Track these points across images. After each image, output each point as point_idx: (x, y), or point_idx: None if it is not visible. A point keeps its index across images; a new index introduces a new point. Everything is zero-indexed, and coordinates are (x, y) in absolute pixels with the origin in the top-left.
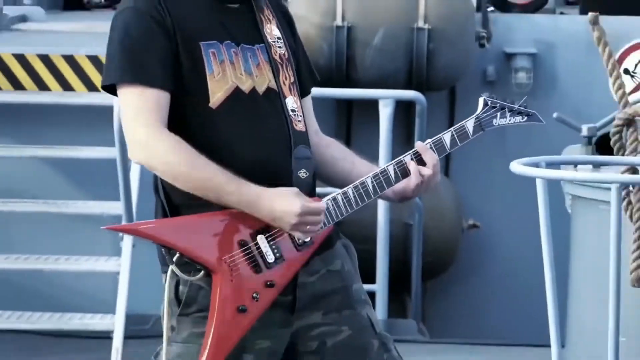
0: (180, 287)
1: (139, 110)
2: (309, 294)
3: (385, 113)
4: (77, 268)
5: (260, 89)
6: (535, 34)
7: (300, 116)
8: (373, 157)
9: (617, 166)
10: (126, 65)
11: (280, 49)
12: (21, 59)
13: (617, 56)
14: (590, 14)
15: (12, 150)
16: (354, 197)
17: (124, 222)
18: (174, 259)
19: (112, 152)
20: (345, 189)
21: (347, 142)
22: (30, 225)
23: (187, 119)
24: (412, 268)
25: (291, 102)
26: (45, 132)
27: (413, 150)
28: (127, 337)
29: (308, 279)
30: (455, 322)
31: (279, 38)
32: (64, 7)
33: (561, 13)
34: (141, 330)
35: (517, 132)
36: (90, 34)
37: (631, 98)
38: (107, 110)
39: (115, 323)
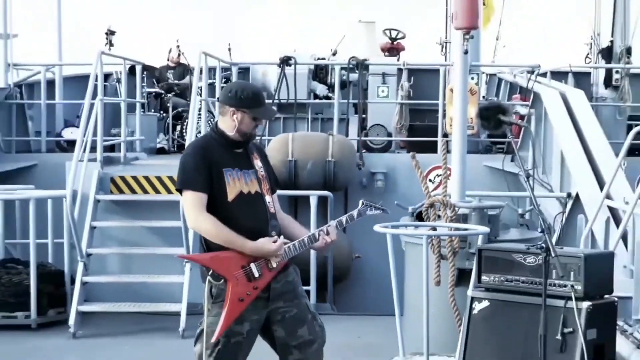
0: (213, 289)
1: (193, 203)
2: (277, 293)
3: (313, 203)
4: (166, 280)
5: (252, 192)
6: (385, 162)
7: (272, 205)
8: (307, 226)
9: (426, 227)
10: (186, 179)
11: (261, 172)
12: (135, 178)
13: (425, 173)
14: (411, 152)
15: (132, 222)
16: (298, 246)
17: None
18: (209, 273)
19: (179, 224)
20: (294, 242)
21: (295, 218)
22: (143, 260)
23: (217, 207)
24: (328, 278)
25: (268, 199)
26: (147, 214)
27: (326, 226)
28: (188, 314)
29: (276, 285)
30: (350, 305)
31: (260, 167)
32: (156, 152)
33: (397, 152)
34: (194, 310)
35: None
36: (169, 166)
37: (433, 193)
38: (177, 203)
39: (182, 307)
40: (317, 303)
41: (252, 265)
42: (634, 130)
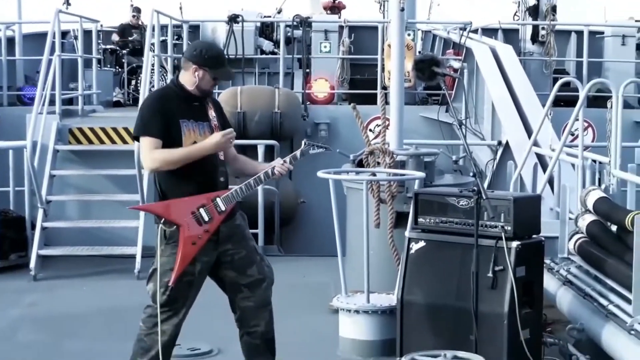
0: (166, 232)
1: (148, 147)
2: (224, 235)
3: (261, 152)
4: (122, 225)
5: None
6: (328, 113)
7: (221, 153)
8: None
9: (366, 173)
10: (142, 126)
11: (214, 122)
12: (92, 129)
13: (365, 123)
14: (352, 104)
15: (89, 171)
16: (247, 187)
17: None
18: (162, 220)
19: (133, 172)
20: (243, 183)
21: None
22: (100, 206)
23: None
24: (275, 221)
25: None
26: (103, 164)
27: (274, 162)
28: (142, 257)
29: (224, 228)
30: (296, 247)
31: (214, 117)
32: (113, 105)
33: (340, 104)
34: (148, 253)
35: (324, 160)
36: (125, 118)
37: (373, 142)
38: (131, 153)
39: (137, 250)
40: (264, 245)
41: (202, 210)
42: (559, 82)
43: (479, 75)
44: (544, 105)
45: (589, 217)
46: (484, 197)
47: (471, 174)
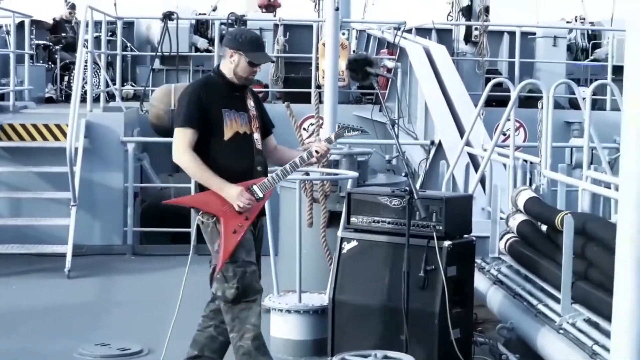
0: (209, 229)
1: (179, 139)
2: (258, 229)
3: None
4: (53, 223)
5: (247, 133)
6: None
7: (259, 143)
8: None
9: (299, 172)
10: (178, 116)
11: (252, 112)
12: (23, 126)
13: (299, 122)
14: (286, 103)
15: (20, 167)
16: (282, 172)
17: (72, 203)
18: (200, 214)
19: (65, 169)
20: (280, 168)
21: (177, 166)
22: (31, 203)
23: (213, 144)
24: None
25: (256, 136)
26: (35, 161)
27: (311, 145)
28: (73, 255)
29: (259, 222)
30: None
31: (252, 107)
32: (45, 102)
33: (274, 103)
34: (79, 252)
35: None
36: (57, 114)
37: (307, 141)
38: (63, 150)
39: (68, 249)
40: (198, 245)
41: None
42: (491, 82)
43: (413, 75)
44: (476, 105)
45: (520, 217)
46: (416, 197)
47: (403, 173)
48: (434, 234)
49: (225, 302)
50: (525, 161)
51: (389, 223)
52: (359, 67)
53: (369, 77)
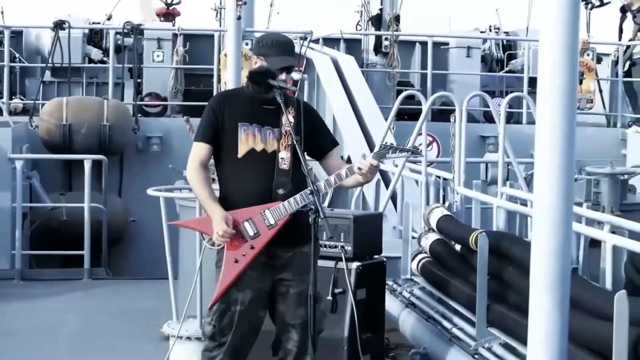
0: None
1: (192, 153)
2: (284, 261)
3: (87, 167)
4: None
5: (269, 150)
6: (161, 126)
7: (286, 162)
8: (80, 191)
9: None
10: (197, 129)
11: (287, 128)
12: None
13: None
14: (185, 117)
15: None
16: (307, 193)
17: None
18: (206, 240)
19: None
20: (294, 196)
21: (69, 183)
22: None
23: (227, 161)
24: (102, 241)
25: (282, 154)
26: None
27: (352, 165)
28: None
29: (287, 254)
30: (125, 269)
31: (290, 122)
32: None
33: (174, 117)
34: None
35: (155, 176)
36: None
37: None
38: None
39: None
40: (91, 268)
41: (246, 223)
42: (402, 95)
43: (320, 87)
44: (386, 119)
45: (433, 236)
46: (322, 216)
47: (308, 191)
48: (342, 254)
49: (204, 338)
50: (438, 177)
51: None
52: (262, 80)
53: (272, 90)
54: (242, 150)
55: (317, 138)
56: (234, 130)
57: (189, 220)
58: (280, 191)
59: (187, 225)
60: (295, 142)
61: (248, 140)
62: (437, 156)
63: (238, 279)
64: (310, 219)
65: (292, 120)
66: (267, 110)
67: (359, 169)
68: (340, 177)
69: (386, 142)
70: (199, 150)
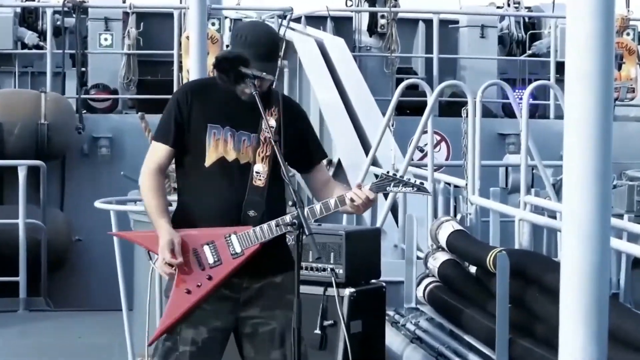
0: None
1: (148, 154)
2: (250, 295)
3: (22, 175)
4: None
5: (242, 161)
6: (111, 125)
7: (262, 177)
8: (13, 203)
9: None
10: (157, 131)
11: (267, 134)
12: None
13: None
14: (140, 113)
15: None
16: (288, 220)
17: None
18: (154, 260)
19: None
20: (270, 221)
21: (1, 194)
22: None
23: (192, 170)
24: (41, 265)
25: (258, 167)
26: None
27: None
28: None
29: (255, 284)
30: (69, 299)
31: (271, 127)
32: None
33: (126, 113)
34: None
35: (105, 186)
36: None
37: None
38: None
39: None
40: (28, 297)
41: (206, 247)
42: (403, 84)
43: (303, 75)
44: (384, 114)
45: (442, 256)
46: (307, 233)
47: (290, 202)
48: (333, 279)
49: None
50: (448, 184)
51: None
52: (231, 68)
53: (243, 80)
54: (210, 158)
55: (305, 147)
56: (202, 132)
57: (136, 232)
58: (252, 213)
59: (133, 238)
60: (274, 143)
61: (218, 146)
62: (447, 159)
63: (189, 314)
64: (290, 237)
65: (274, 124)
66: (246, 110)
67: (352, 200)
68: (328, 207)
69: (387, 172)
70: (158, 152)
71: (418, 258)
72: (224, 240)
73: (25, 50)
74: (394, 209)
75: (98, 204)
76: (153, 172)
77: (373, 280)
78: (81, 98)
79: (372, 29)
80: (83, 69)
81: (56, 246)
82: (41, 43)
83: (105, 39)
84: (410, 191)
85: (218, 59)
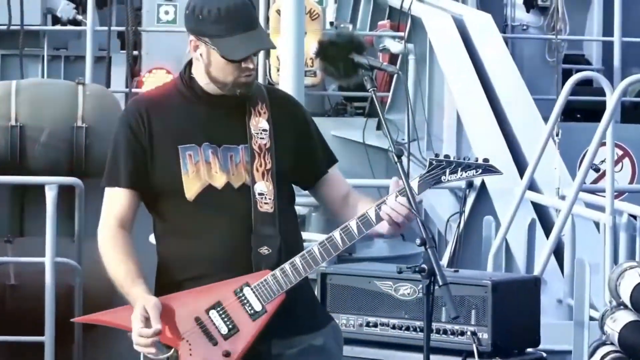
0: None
1: (104, 206)
2: None
3: (51, 196)
4: None
5: (236, 185)
6: None
7: (269, 199)
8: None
9: None
10: (106, 173)
11: (262, 140)
12: None
13: None
14: None
15: None
16: (317, 254)
17: None
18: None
19: None
20: (293, 259)
21: (21, 220)
22: None
23: (167, 209)
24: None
25: (260, 186)
26: None
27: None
28: None
29: (286, 351)
30: None
31: (264, 130)
32: None
33: None
34: None
35: None
36: None
37: None
38: None
39: None
40: None
41: (212, 313)
42: (572, 79)
43: (435, 65)
44: (547, 118)
45: (625, 317)
46: (441, 282)
47: (419, 240)
48: (474, 346)
49: None
50: (634, 217)
51: (394, 327)
52: (340, 54)
53: (357, 72)
54: (191, 190)
55: (309, 154)
56: (173, 159)
57: (104, 313)
58: (264, 250)
59: (100, 320)
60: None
61: (199, 171)
62: (631, 181)
63: None
64: (421, 286)
65: (266, 126)
66: (223, 116)
67: (388, 215)
68: (369, 222)
69: (437, 155)
70: (113, 201)
71: (591, 319)
72: (235, 299)
73: (58, 27)
74: (557, 251)
75: (153, 239)
76: (112, 229)
77: (529, 350)
78: (132, 92)
79: (530, 1)
80: (135, 52)
81: (97, 294)
82: (79, 17)
83: (166, 12)
84: (474, 175)
85: (323, 44)
